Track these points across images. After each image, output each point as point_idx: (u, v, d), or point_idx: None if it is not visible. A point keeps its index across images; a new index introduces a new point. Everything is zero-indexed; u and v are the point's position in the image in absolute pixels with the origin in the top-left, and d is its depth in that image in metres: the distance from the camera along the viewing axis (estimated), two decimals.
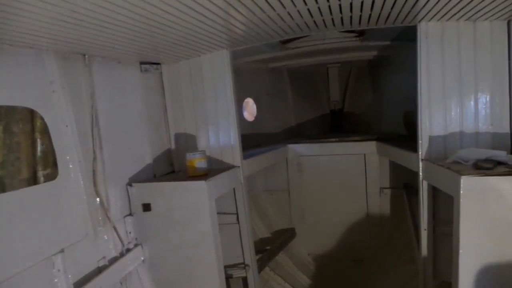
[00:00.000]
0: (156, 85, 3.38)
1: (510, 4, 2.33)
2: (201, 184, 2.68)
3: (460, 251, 2.22)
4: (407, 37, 2.95)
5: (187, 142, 3.45)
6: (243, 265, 3.39)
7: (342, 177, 4.39)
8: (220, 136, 3.36)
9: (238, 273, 3.36)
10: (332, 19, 2.64)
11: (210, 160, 3.29)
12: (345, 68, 5.58)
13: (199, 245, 2.74)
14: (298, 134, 5.32)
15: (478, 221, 2.19)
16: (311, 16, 2.51)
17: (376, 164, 4.31)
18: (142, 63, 3.18)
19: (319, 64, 5.31)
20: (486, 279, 2.22)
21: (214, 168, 3.25)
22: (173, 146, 3.50)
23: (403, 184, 4.16)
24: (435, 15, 2.60)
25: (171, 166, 3.49)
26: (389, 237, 4.29)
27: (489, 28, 2.68)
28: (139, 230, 2.90)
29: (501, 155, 2.38)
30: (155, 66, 3.32)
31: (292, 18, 2.54)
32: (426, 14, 2.59)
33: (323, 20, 2.63)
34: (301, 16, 2.50)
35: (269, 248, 4.05)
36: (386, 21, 2.75)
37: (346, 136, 4.56)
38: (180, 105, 3.44)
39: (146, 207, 2.84)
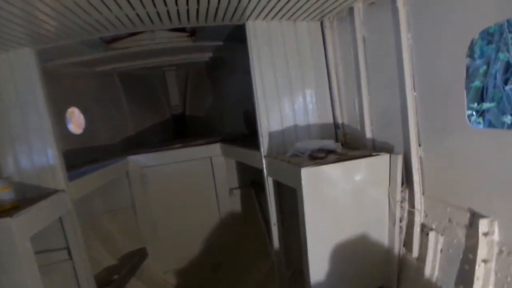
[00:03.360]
0: None
1: (320, 6, 2.55)
2: (5, 222, 2.02)
3: (308, 239, 2.30)
4: (239, 37, 2.96)
5: None
6: None
7: (191, 184, 4.19)
8: (34, 156, 2.68)
9: None
10: (158, 13, 2.37)
11: (21, 187, 2.60)
12: (183, 71, 5.40)
13: None
14: (138, 143, 4.84)
15: (320, 208, 2.30)
16: (132, 7, 2.18)
17: (222, 165, 4.28)
18: None
19: (154, 67, 4.96)
20: (332, 259, 2.37)
21: (29, 197, 2.56)
22: None
23: (251, 182, 4.25)
24: (259, 14, 2.65)
25: None
26: (244, 236, 4.33)
27: (307, 27, 2.90)
28: None
29: (330, 144, 2.59)
30: None
31: (110, 9, 2.16)
32: (252, 13, 2.61)
33: (147, 13, 2.33)
34: (120, 7, 2.14)
35: (116, 278, 3.50)
36: (215, 18, 2.66)
37: (191, 141, 4.38)
38: None
39: None
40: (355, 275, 2.46)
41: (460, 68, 1.85)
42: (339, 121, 2.99)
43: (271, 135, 2.91)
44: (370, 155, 2.37)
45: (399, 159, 2.29)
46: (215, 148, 4.17)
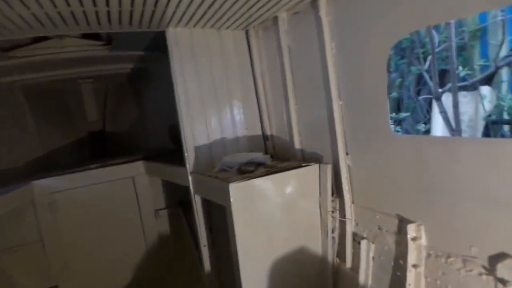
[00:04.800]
0: None
1: (243, 15, 2.46)
2: None
3: (240, 259, 2.15)
4: (162, 46, 2.75)
5: None
6: None
7: (111, 208, 3.75)
8: None
9: None
10: (60, 14, 2.06)
11: None
12: (101, 84, 4.94)
13: None
14: (48, 166, 4.26)
15: (252, 226, 2.16)
16: (25, 6, 1.86)
17: (146, 185, 3.92)
18: None
19: (67, 79, 4.46)
20: (266, 279, 2.24)
21: None
22: None
23: (178, 201, 3.97)
24: (180, 20, 2.48)
25: None
26: (173, 261, 4.00)
27: (232, 36, 2.80)
28: None
29: (259, 156, 2.49)
30: None
31: None
32: (172, 18, 2.43)
33: (46, 13, 2.02)
34: (8, 5, 1.81)
35: None
36: (130, 23, 2.42)
37: (111, 160, 3.96)
38: None
39: None
40: None
41: (382, 77, 1.87)
42: (268, 132, 2.91)
43: (197, 149, 2.72)
44: (300, 166, 2.30)
45: (328, 169, 2.26)
46: (138, 167, 3.82)
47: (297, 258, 2.34)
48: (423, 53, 5.39)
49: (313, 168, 2.31)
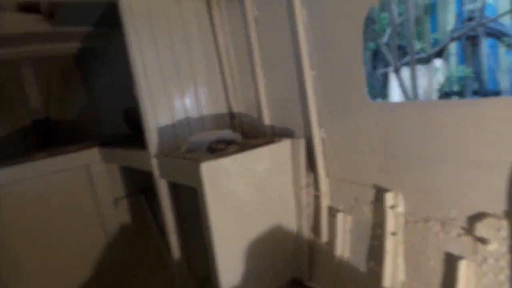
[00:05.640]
0: None
1: None
2: None
3: (215, 243, 2.04)
4: (113, 20, 2.48)
5: None
6: None
7: (64, 200, 3.43)
8: None
9: None
10: None
11: None
12: (44, 66, 4.48)
13: None
14: None
15: (225, 207, 2.05)
16: None
17: (104, 173, 3.64)
18: None
19: (5, 61, 4.00)
20: (243, 260, 2.16)
21: None
22: None
23: (140, 188, 3.74)
24: None
25: None
26: (137, 251, 3.79)
27: (192, 7, 2.61)
28: None
29: (228, 134, 2.37)
30: None
31: None
32: None
33: None
34: None
35: None
36: None
37: (60, 148, 3.61)
38: None
39: None
40: (267, 272, 2.28)
41: (357, 42, 1.82)
42: (235, 109, 2.78)
43: (160, 130, 2.53)
44: (273, 142, 2.22)
45: (302, 143, 2.19)
46: (93, 154, 3.52)
47: (272, 236, 2.28)
48: (378, 28, 5.49)
49: (286, 143, 2.23)
